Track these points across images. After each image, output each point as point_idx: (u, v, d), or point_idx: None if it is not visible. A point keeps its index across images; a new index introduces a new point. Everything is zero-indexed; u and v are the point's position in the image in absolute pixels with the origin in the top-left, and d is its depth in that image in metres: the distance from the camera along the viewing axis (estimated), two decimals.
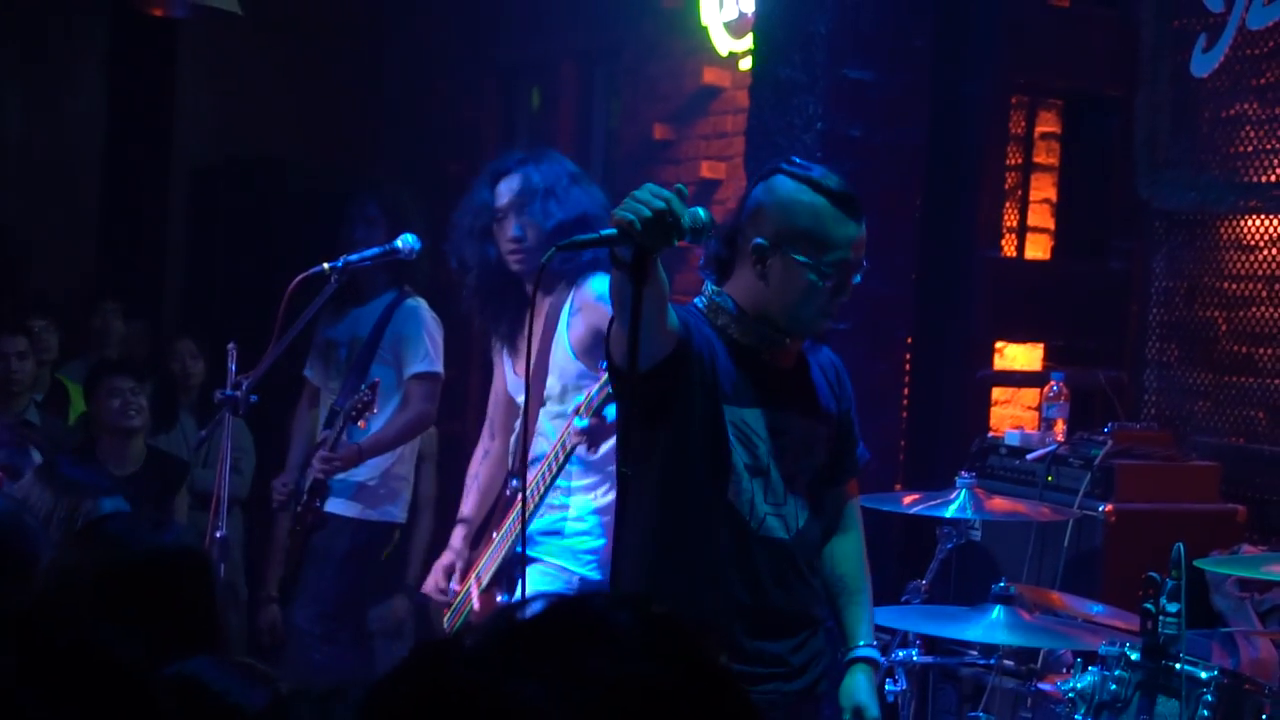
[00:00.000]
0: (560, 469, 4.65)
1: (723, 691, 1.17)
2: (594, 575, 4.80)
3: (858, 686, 3.75)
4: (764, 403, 3.63)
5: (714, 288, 3.71)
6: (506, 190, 4.83)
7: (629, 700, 1.09)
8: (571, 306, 4.80)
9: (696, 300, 3.75)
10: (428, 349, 6.07)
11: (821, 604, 3.84)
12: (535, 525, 4.77)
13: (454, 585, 4.95)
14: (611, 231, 3.16)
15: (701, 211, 3.21)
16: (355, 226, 6.01)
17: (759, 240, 3.58)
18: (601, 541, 4.80)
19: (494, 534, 4.92)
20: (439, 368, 6.10)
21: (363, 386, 5.69)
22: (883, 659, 4.83)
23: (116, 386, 6.67)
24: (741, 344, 3.62)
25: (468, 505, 5.12)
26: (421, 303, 6.16)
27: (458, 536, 5.07)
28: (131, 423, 6.63)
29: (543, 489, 4.68)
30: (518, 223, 4.79)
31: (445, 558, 5.03)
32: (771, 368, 3.67)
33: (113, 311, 8.45)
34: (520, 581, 4.37)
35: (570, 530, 4.81)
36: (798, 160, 3.72)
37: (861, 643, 3.81)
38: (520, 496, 4.41)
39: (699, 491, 3.57)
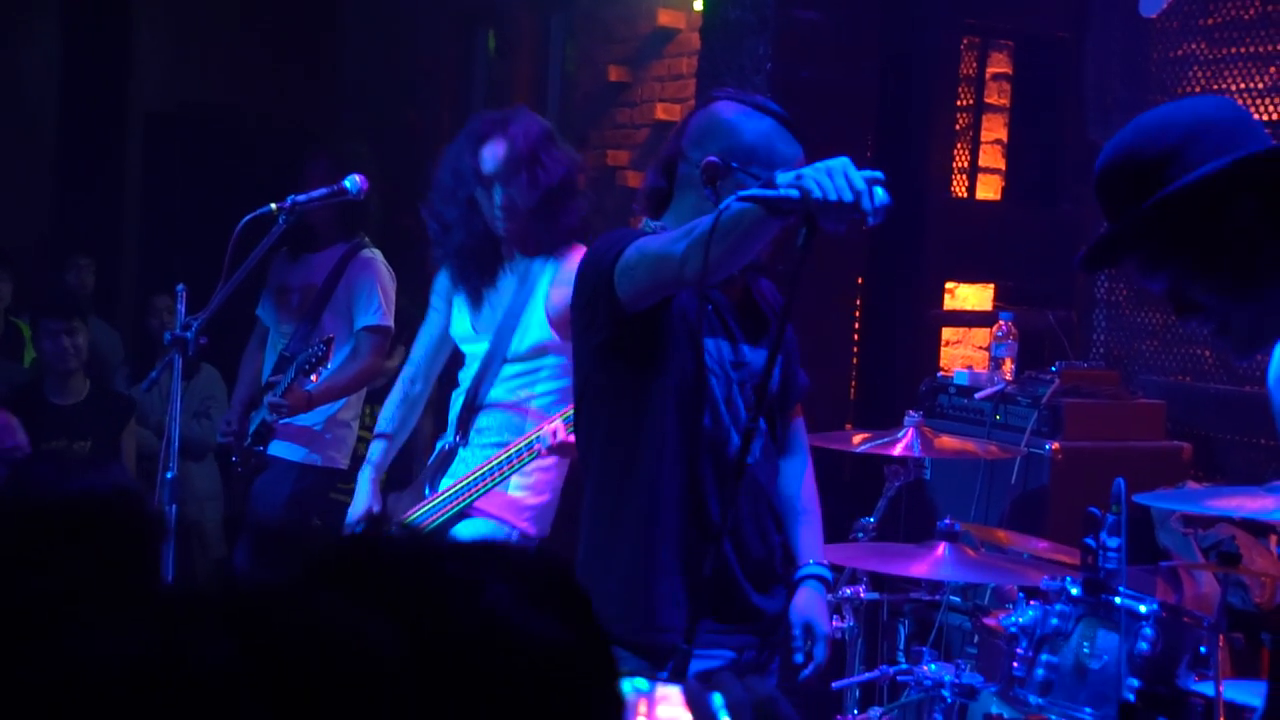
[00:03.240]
0: (520, 466, 4.68)
1: (603, 656, 1.19)
2: (532, 529, 4.84)
3: (809, 603, 3.78)
4: (723, 334, 3.65)
5: (654, 223, 3.66)
6: (491, 157, 4.82)
7: (510, 637, 1.11)
8: (554, 277, 4.80)
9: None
10: (379, 302, 6.09)
11: (779, 534, 3.87)
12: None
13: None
14: (795, 195, 2.97)
15: (881, 191, 3.00)
16: (307, 173, 6.01)
17: (711, 159, 3.51)
18: (545, 498, 4.84)
19: (428, 490, 4.93)
20: (389, 321, 6.12)
21: (318, 342, 5.69)
22: (830, 595, 4.89)
23: (51, 329, 6.78)
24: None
25: (381, 441, 5.12)
26: (377, 254, 6.18)
27: (368, 481, 5.05)
28: (66, 364, 6.75)
29: (498, 477, 4.71)
30: (505, 190, 4.79)
31: (357, 503, 5.02)
32: (722, 300, 3.69)
33: (86, 267, 8.47)
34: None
35: (514, 485, 4.83)
36: (733, 90, 3.73)
37: (812, 560, 3.83)
38: (453, 451, 4.46)
39: (678, 423, 3.59)
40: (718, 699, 1.51)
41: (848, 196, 2.93)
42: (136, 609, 0.99)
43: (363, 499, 4.99)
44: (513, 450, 4.68)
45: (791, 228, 3.27)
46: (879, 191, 2.99)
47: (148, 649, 0.95)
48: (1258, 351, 2.59)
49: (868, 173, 3.01)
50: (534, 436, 4.62)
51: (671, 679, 3.14)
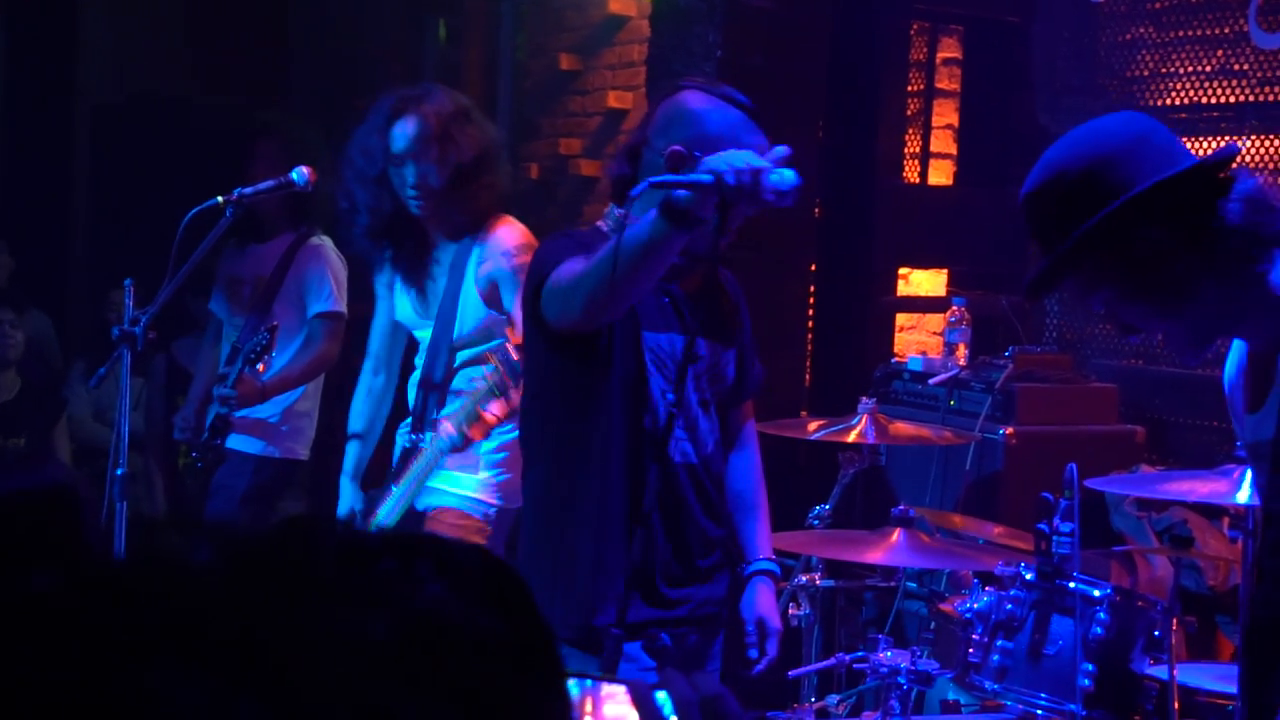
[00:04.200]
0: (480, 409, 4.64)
1: (544, 649, 1.17)
2: (512, 505, 4.80)
3: (760, 599, 3.81)
4: (678, 328, 3.64)
5: (618, 210, 3.63)
6: (402, 134, 4.78)
7: (451, 635, 1.10)
8: (480, 256, 4.77)
9: (600, 224, 3.71)
10: (331, 288, 6.04)
11: (724, 529, 3.87)
12: (443, 464, 4.77)
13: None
14: (707, 179, 3.08)
15: (789, 173, 3.09)
16: (256, 164, 5.96)
17: (675, 148, 3.50)
18: (511, 475, 4.81)
19: (393, 485, 4.90)
20: (342, 307, 6.06)
21: (262, 329, 5.65)
22: (784, 584, 4.89)
23: None
24: None
25: (355, 442, 5.09)
26: (326, 241, 6.12)
27: (349, 484, 5.03)
28: (4, 354, 6.79)
29: (462, 441, 4.67)
30: (417, 168, 4.75)
31: (342, 507, 4.99)
32: (681, 293, 3.68)
33: (2, 250, 8.39)
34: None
35: (484, 462, 4.82)
36: (701, 80, 3.72)
37: (761, 556, 3.86)
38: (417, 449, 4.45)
39: (617, 420, 3.58)
40: (664, 697, 1.50)
41: (746, 179, 3.04)
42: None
43: (345, 502, 4.97)
44: (470, 402, 4.59)
45: (735, 220, 3.33)
46: (787, 173, 3.08)
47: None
48: (1203, 353, 2.68)
49: (779, 150, 3.13)
50: (484, 383, 4.51)
51: (604, 665, 3.15)
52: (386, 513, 4.83)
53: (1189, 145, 6.16)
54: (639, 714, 1.50)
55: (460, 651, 1.10)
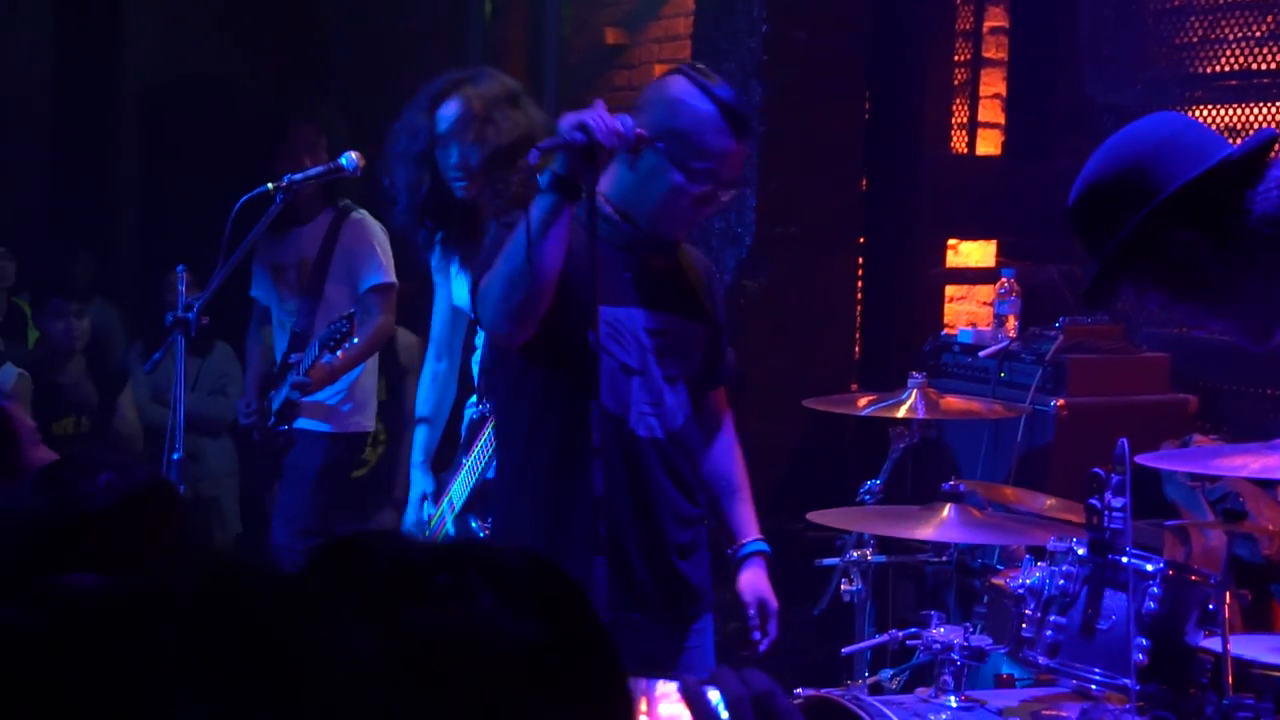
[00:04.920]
0: None
1: (597, 653, 1.18)
2: None
3: (757, 580, 3.89)
4: (642, 302, 3.65)
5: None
6: (446, 116, 4.80)
7: (498, 643, 1.11)
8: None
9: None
10: (379, 260, 6.11)
11: (700, 506, 3.90)
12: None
13: (430, 509, 4.96)
14: (580, 137, 3.36)
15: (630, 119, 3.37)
16: (299, 152, 6.01)
17: (640, 130, 3.56)
18: None
19: (463, 459, 4.93)
20: (392, 277, 6.14)
21: (340, 318, 5.68)
22: (838, 559, 4.90)
23: (58, 309, 6.92)
24: (612, 243, 3.63)
25: (423, 426, 5.12)
26: (365, 215, 6.18)
27: (419, 469, 5.06)
28: (72, 345, 6.92)
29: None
30: (459, 149, 4.77)
31: (415, 490, 5.03)
32: (646, 267, 3.69)
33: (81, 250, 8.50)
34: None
35: None
36: (701, 66, 3.74)
37: (752, 537, 3.94)
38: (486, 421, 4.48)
39: (573, 395, 3.60)
40: (716, 695, 1.52)
41: (579, 135, 3.35)
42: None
43: (417, 486, 4.99)
44: None
45: (698, 197, 3.57)
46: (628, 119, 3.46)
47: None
48: (1266, 342, 2.69)
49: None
50: None
51: None
52: (459, 488, 4.86)
53: (1239, 113, 6.15)
54: (692, 711, 1.51)
55: (509, 661, 1.11)
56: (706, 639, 3.88)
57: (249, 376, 6.43)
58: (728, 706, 1.51)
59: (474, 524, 4.84)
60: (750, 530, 3.95)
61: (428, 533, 4.96)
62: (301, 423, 6.07)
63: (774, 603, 3.87)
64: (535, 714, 1.12)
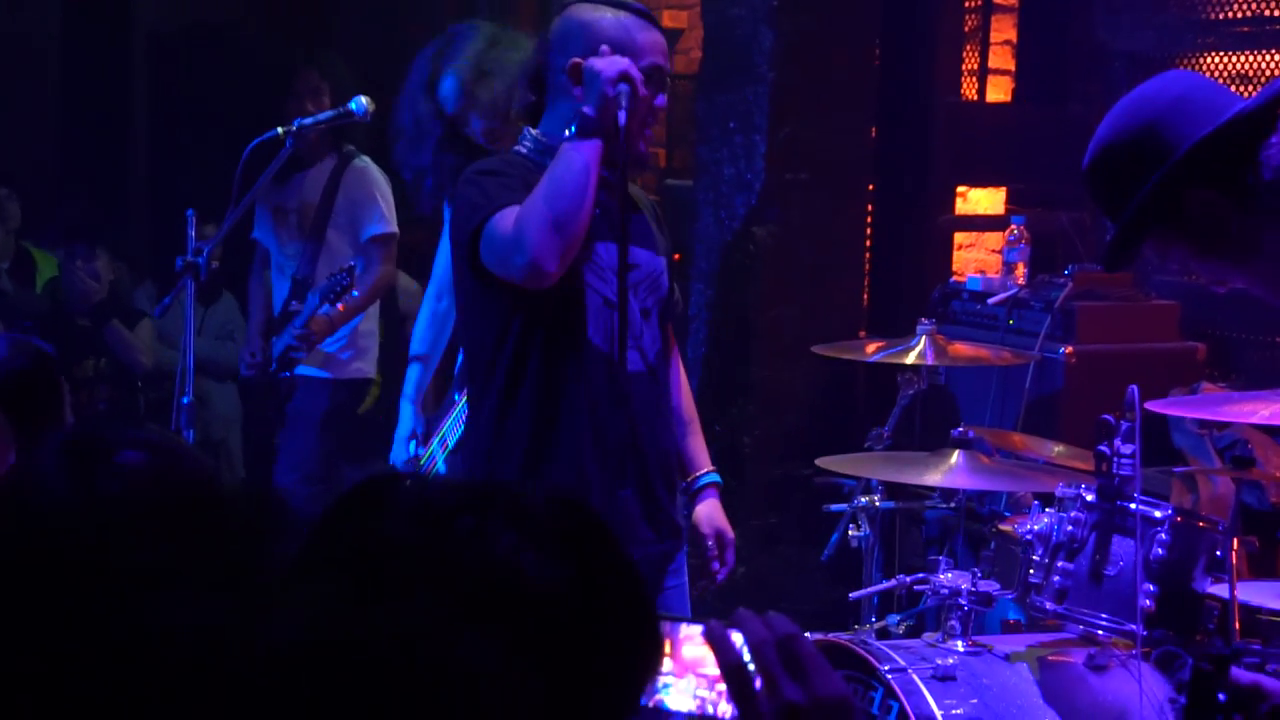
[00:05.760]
0: None
1: (624, 592, 1.19)
2: None
3: (714, 511, 3.92)
4: (611, 236, 3.66)
5: (533, 132, 3.77)
6: (447, 96, 4.83)
7: (532, 588, 1.12)
8: None
9: (517, 148, 3.80)
10: (381, 210, 6.09)
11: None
12: None
13: (419, 449, 4.98)
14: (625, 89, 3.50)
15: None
16: (303, 98, 6.00)
17: (574, 59, 3.61)
18: None
19: (456, 396, 4.94)
20: (394, 227, 6.11)
21: (341, 271, 5.67)
22: (847, 505, 4.92)
23: (82, 254, 6.95)
24: None
25: (416, 365, 5.13)
26: (369, 163, 6.15)
27: (410, 405, 5.07)
28: (93, 289, 6.90)
29: None
30: (480, 117, 4.80)
31: (402, 428, 5.04)
32: (607, 205, 3.70)
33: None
34: None
35: None
36: None
37: (707, 469, 3.97)
38: None
39: (560, 335, 3.63)
40: (739, 638, 1.53)
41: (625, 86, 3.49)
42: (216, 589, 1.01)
43: (406, 423, 5.01)
44: None
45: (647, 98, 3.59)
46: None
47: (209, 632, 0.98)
48: None
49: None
50: None
51: None
52: (452, 424, 4.88)
53: (1252, 60, 6.13)
54: (715, 654, 1.53)
55: (535, 602, 1.12)
56: (683, 579, 3.92)
57: (251, 323, 6.41)
58: (750, 650, 1.53)
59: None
60: (703, 462, 3.98)
61: (418, 472, 4.98)
62: (303, 369, 6.05)
63: (730, 533, 3.91)
64: (563, 654, 1.13)
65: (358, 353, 6.24)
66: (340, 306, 5.73)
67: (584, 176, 3.48)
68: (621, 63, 3.51)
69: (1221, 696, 2.20)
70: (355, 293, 5.72)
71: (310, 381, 6.10)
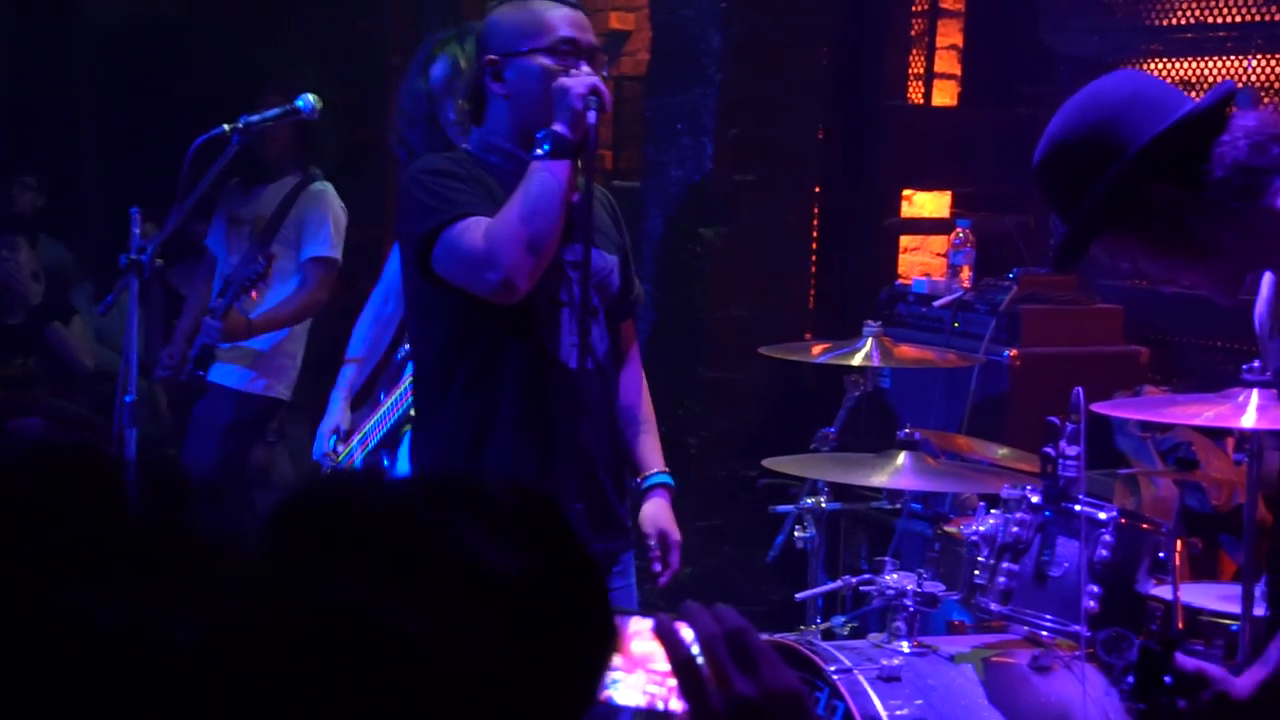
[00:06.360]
0: None
1: (586, 587, 1.19)
2: None
3: (659, 512, 3.91)
4: (567, 237, 3.67)
5: (478, 130, 3.80)
6: (436, 75, 4.85)
7: (492, 579, 1.11)
8: None
9: (466, 147, 3.84)
10: (329, 234, 6.05)
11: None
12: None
13: (339, 445, 4.98)
14: (578, 106, 3.54)
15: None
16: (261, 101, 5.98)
17: (489, 56, 3.66)
18: None
19: (382, 396, 4.95)
20: (337, 254, 6.06)
21: (258, 258, 5.65)
22: (793, 506, 4.93)
23: (10, 243, 6.94)
24: (519, 178, 3.64)
25: (351, 366, 5.11)
26: (328, 187, 6.13)
27: (339, 401, 5.06)
28: (18, 282, 6.88)
29: None
30: (453, 104, 4.81)
31: (328, 422, 5.03)
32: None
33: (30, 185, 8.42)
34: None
35: None
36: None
37: (657, 470, 3.97)
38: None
39: (505, 334, 3.64)
40: (688, 633, 1.53)
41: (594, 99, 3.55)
42: (116, 576, 0.98)
43: (332, 418, 4.99)
44: None
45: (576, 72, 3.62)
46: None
47: (118, 623, 0.95)
48: (1236, 293, 2.72)
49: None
50: None
51: None
52: (374, 424, 4.88)
53: (1197, 67, 6.17)
54: (665, 649, 1.52)
55: (496, 597, 1.12)
56: (630, 579, 3.92)
57: (180, 324, 6.34)
58: (700, 644, 1.53)
59: (385, 462, 4.88)
60: (655, 462, 3.98)
61: (334, 466, 4.98)
62: (215, 373, 5.98)
63: (675, 534, 3.90)
64: (523, 648, 1.12)
65: (275, 369, 6.15)
66: (254, 295, 5.66)
67: (558, 196, 3.52)
68: (590, 79, 3.54)
69: (1168, 679, 2.23)
70: (271, 290, 5.65)
71: (217, 390, 6.02)
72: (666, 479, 3.97)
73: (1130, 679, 3.68)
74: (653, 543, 3.88)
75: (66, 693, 0.95)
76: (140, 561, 1.00)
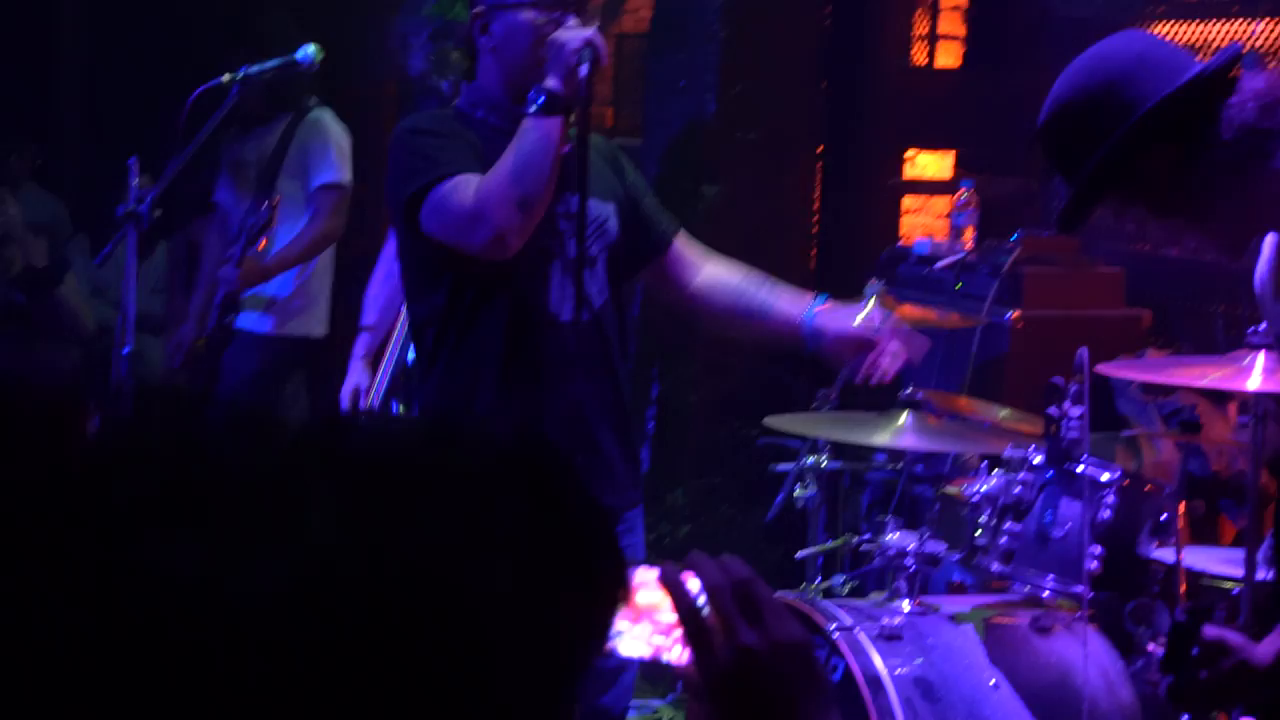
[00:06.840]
0: None
1: (591, 536, 1.16)
2: None
3: (844, 316, 3.77)
4: (562, 187, 3.63)
5: (469, 87, 3.77)
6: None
7: (485, 527, 1.08)
8: None
9: (456, 103, 3.80)
10: (333, 159, 5.91)
11: (628, 392, 3.88)
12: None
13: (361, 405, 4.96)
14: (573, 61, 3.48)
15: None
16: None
17: (476, 8, 3.64)
18: None
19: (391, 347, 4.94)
20: (345, 177, 5.92)
21: (264, 204, 5.57)
22: (792, 464, 4.91)
23: None
24: (508, 132, 3.58)
25: (365, 334, 5.08)
26: (326, 112, 6.01)
27: (358, 363, 5.04)
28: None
29: None
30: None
31: (348, 383, 5.01)
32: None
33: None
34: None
35: None
36: None
37: (808, 304, 3.82)
38: None
39: (496, 287, 3.60)
40: (694, 583, 1.50)
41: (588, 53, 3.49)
42: (196, 524, 0.96)
43: (353, 378, 4.97)
44: None
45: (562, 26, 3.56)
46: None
47: (198, 572, 0.94)
48: (1240, 254, 2.70)
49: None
50: None
51: None
52: (382, 374, 4.87)
53: (1202, 30, 6.13)
54: (670, 599, 1.50)
55: (495, 546, 1.09)
56: (636, 537, 3.84)
57: (199, 278, 6.25)
58: (706, 594, 1.50)
59: (395, 409, 4.86)
60: (805, 295, 3.83)
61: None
62: (242, 320, 5.86)
63: (868, 335, 3.70)
64: (526, 600, 1.10)
65: (304, 306, 6.04)
66: (262, 244, 5.55)
67: (549, 154, 3.47)
68: (584, 33, 3.49)
69: (1195, 651, 2.22)
70: (274, 231, 5.56)
71: (244, 336, 5.87)
72: (823, 297, 3.82)
73: (1152, 647, 3.68)
74: (864, 350, 3.68)
75: (147, 644, 0.94)
76: (222, 509, 0.98)
